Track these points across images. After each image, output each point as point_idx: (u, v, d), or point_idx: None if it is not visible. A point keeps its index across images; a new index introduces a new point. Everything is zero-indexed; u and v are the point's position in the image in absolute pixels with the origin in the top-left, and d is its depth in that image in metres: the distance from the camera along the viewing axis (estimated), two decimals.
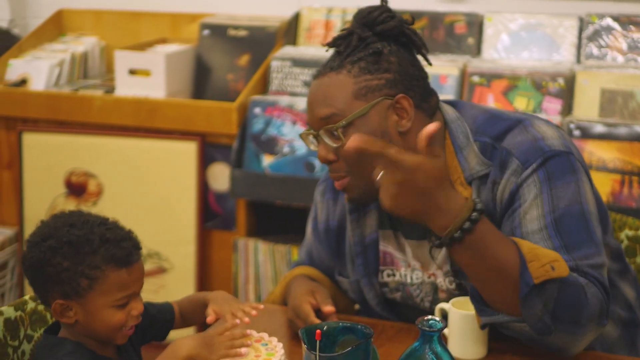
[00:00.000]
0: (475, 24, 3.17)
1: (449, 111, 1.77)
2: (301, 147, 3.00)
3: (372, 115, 1.68)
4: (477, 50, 3.17)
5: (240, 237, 3.14)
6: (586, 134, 2.75)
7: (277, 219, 3.20)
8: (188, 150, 3.15)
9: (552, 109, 2.88)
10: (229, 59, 3.39)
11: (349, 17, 1.83)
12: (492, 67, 2.99)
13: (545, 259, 1.52)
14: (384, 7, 1.74)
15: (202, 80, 3.41)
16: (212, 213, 3.19)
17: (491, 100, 2.95)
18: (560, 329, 1.55)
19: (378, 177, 1.50)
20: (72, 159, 3.28)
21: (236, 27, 3.40)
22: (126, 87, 3.28)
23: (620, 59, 2.99)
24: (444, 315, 1.71)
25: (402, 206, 1.50)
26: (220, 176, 3.16)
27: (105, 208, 3.22)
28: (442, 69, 3.00)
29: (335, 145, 1.68)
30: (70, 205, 3.26)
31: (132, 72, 3.29)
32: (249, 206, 3.15)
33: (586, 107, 2.88)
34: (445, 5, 3.28)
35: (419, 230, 1.78)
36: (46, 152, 3.29)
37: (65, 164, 3.29)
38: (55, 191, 3.30)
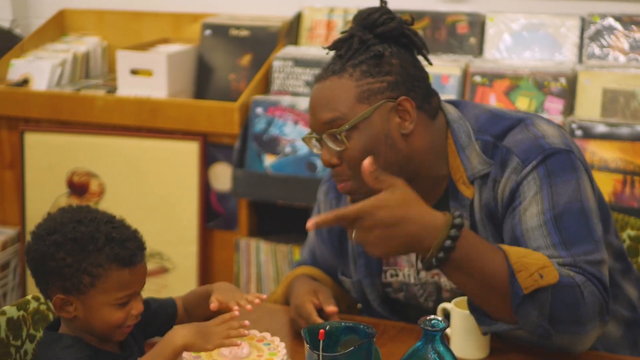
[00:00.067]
0: (477, 24, 3.17)
1: (451, 111, 1.77)
2: (303, 147, 3.00)
3: (374, 119, 1.68)
4: (479, 50, 3.17)
5: (242, 237, 3.14)
6: (588, 134, 2.75)
7: (278, 219, 3.20)
8: (190, 150, 3.15)
9: (554, 108, 2.88)
10: (230, 59, 3.39)
11: (351, 17, 1.82)
12: (494, 67, 2.99)
13: (533, 268, 1.53)
14: (384, 9, 1.74)
15: (204, 80, 3.42)
16: (214, 213, 3.19)
17: (493, 100, 2.95)
18: (560, 330, 1.55)
19: (353, 239, 1.55)
20: (74, 159, 3.28)
21: (238, 27, 3.40)
22: (128, 87, 3.29)
23: (622, 58, 2.99)
24: (446, 315, 1.71)
25: (388, 247, 1.54)
26: (222, 176, 3.16)
27: (107, 208, 3.16)
28: (444, 69, 3.00)
29: (338, 149, 1.69)
30: None
31: (134, 72, 3.29)
32: (250, 206, 3.15)
33: (588, 107, 2.88)
34: (447, 5, 3.28)
35: None
36: (48, 152, 3.30)
37: (67, 164, 3.29)
38: (57, 191, 3.30)
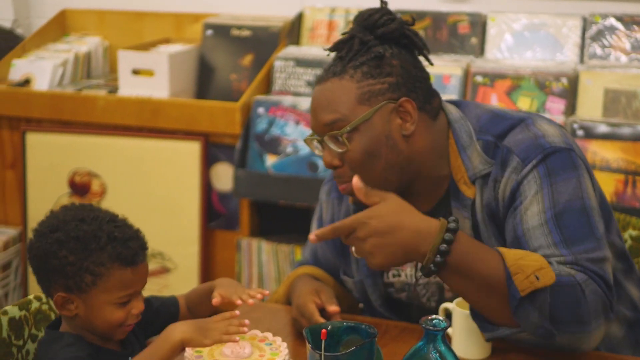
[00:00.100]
0: (479, 24, 3.17)
1: (453, 111, 1.77)
2: (304, 147, 3.00)
3: (375, 120, 1.68)
4: (480, 50, 3.17)
5: (244, 237, 3.14)
6: (589, 134, 2.75)
7: (280, 219, 3.20)
8: (191, 150, 3.15)
9: (555, 109, 2.88)
10: (232, 59, 3.39)
11: (352, 17, 1.83)
12: (496, 67, 2.99)
13: (529, 270, 1.53)
14: (385, 10, 1.74)
15: (205, 80, 3.42)
16: (215, 213, 3.19)
17: (494, 100, 2.95)
18: (563, 331, 1.56)
19: (354, 253, 1.59)
20: (75, 159, 3.28)
21: (239, 27, 3.40)
22: (129, 87, 3.29)
23: (624, 58, 2.99)
24: (448, 315, 1.71)
25: (385, 256, 1.56)
26: (224, 176, 3.16)
27: (109, 208, 3.19)
28: (445, 69, 3.00)
29: (340, 150, 1.69)
30: None
31: (136, 72, 3.30)
32: (252, 206, 3.15)
33: (589, 107, 2.87)
34: (449, 5, 3.28)
35: None
36: (50, 152, 3.30)
37: (69, 164, 3.29)
38: (58, 191, 3.30)
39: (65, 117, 3.28)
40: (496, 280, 1.55)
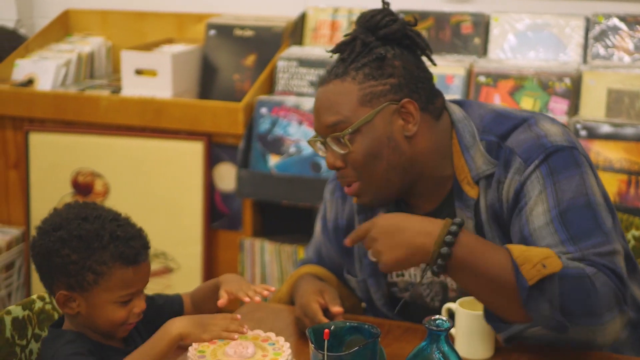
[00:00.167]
0: (482, 24, 3.17)
1: (456, 111, 1.77)
2: (307, 148, 3.00)
3: (377, 121, 1.69)
4: (483, 51, 3.17)
5: (247, 237, 3.14)
6: (592, 134, 2.75)
7: (283, 219, 3.20)
8: (194, 150, 3.15)
9: (558, 109, 2.88)
10: (235, 59, 3.39)
11: (355, 18, 1.83)
12: (499, 67, 2.99)
13: (536, 259, 1.54)
14: (387, 11, 1.74)
15: (208, 81, 3.42)
16: (218, 213, 3.20)
17: (497, 101, 2.95)
18: (576, 323, 1.55)
19: (370, 256, 1.64)
20: (78, 159, 3.28)
21: (242, 27, 3.41)
22: (132, 87, 3.29)
23: (627, 59, 2.99)
24: (451, 315, 1.71)
25: (394, 256, 1.59)
26: (227, 176, 3.16)
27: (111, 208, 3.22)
28: (448, 69, 3.00)
29: (342, 152, 1.70)
30: None
31: (139, 72, 3.30)
32: (255, 206, 3.15)
33: (593, 107, 2.87)
34: (452, 5, 3.28)
35: None
36: (53, 152, 3.30)
37: (72, 164, 3.29)
38: (61, 191, 3.30)
39: (68, 117, 3.28)
40: (504, 273, 1.55)
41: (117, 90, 3.37)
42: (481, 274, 1.57)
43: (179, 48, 3.44)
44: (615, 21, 3.01)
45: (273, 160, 3.07)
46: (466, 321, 1.66)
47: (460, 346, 1.66)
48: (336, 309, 1.74)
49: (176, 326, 1.48)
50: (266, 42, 3.35)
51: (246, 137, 3.09)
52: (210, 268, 3.22)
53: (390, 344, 1.70)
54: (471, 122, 1.75)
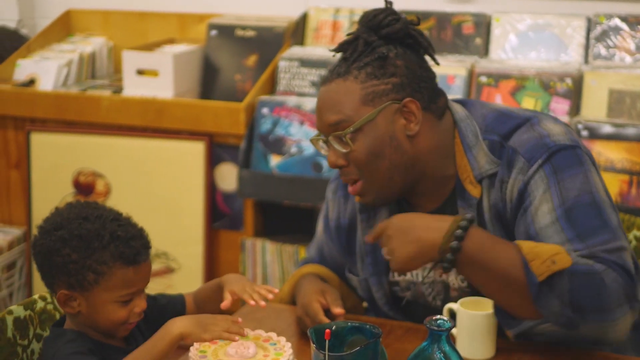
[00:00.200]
0: (483, 25, 3.17)
1: (459, 110, 1.77)
2: (309, 148, 3.00)
3: (379, 121, 1.69)
4: (484, 51, 3.17)
5: (248, 237, 3.14)
6: (594, 135, 2.75)
7: (284, 219, 3.21)
8: (196, 151, 3.15)
9: (560, 109, 2.88)
10: (236, 59, 3.39)
11: (357, 18, 1.83)
12: (500, 68, 2.99)
13: (545, 255, 1.54)
14: (389, 10, 1.74)
15: (209, 81, 3.42)
16: (219, 213, 3.20)
17: (499, 101, 2.94)
18: (586, 319, 1.56)
19: (385, 255, 1.66)
20: (80, 159, 3.29)
21: (244, 28, 3.41)
22: (134, 87, 3.29)
23: (629, 59, 2.99)
24: (452, 315, 1.71)
25: (405, 254, 1.61)
26: (228, 176, 3.16)
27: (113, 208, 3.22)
28: (449, 70, 3.00)
29: (344, 150, 1.70)
30: None
31: (140, 72, 3.30)
32: (256, 206, 3.15)
33: (594, 108, 2.87)
34: (453, 5, 3.28)
35: None
36: (54, 152, 3.30)
37: (73, 164, 3.29)
38: (63, 191, 3.31)
39: (69, 117, 3.28)
40: (514, 269, 1.56)
41: (118, 90, 3.37)
42: (491, 270, 1.57)
43: (180, 48, 3.44)
44: (617, 21, 3.01)
45: (274, 160, 3.07)
46: (468, 321, 1.66)
47: (462, 346, 1.65)
48: (337, 310, 1.74)
49: (177, 326, 1.49)
50: (268, 42, 3.35)
51: (247, 137, 3.09)
52: (212, 268, 3.22)
53: (392, 344, 1.70)
54: (474, 121, 1.75)
